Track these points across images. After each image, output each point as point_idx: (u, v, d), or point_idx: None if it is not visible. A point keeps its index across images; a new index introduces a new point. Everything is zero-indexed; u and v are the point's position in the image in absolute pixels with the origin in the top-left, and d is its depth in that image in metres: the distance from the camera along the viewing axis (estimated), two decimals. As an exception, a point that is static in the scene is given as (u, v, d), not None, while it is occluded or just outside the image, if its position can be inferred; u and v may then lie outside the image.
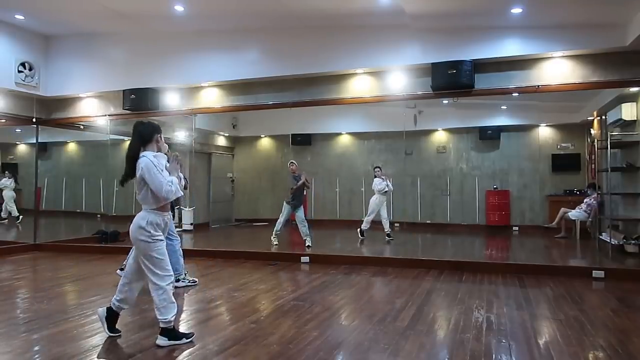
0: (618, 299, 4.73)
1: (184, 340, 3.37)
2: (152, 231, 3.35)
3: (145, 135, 3.43)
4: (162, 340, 3.33)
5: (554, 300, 4.63)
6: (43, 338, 3.54)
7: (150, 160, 3.31)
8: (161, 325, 3.35)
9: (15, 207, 10.24)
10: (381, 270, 6.19)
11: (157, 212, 3.40)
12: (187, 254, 7.53)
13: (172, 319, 3.35)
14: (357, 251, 7.88)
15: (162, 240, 3.42)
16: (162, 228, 3.43)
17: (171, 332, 3.36)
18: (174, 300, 3.39)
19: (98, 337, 3.55)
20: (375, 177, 8.94)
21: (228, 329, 3.75)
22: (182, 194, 3.65)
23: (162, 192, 3.28)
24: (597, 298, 4.94)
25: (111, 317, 3.55)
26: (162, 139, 3.52)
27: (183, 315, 4.20)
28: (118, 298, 3.51)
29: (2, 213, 10.20)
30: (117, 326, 3.57)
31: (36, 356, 3.20)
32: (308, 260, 6.79)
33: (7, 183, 10.25)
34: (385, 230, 8.74)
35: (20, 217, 10.25)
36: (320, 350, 3.25)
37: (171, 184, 3.34)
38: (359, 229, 9.00)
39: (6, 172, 10.31)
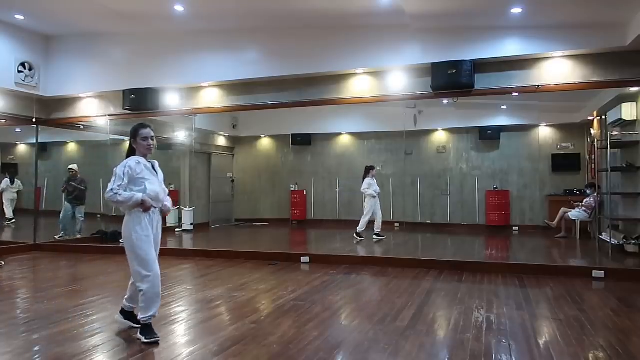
0: (618, 299, 4.73)
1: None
2: None
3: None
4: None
5: (554, 300, 4.63)
6: (43, 338, 3.54)
7: None
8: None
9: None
10: (381, 270, 6.19)
11: None
12: (187, 253, 7.59)
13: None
14: (357, 251, 7.88)
15: None
16: None
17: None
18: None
19: (98, 337, 3.55)
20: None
21: (228, 329, 3.75)
22: None
23: None
24: (597, 298, 4.94)
25: (129, 317, 3.67)
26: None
27: (183, 315, 4.20)
28: (126, 296, 3.68)
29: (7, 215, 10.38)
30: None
31: (36, 356, 3.20)
32: (308, 260, 6.79)
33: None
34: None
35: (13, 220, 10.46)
36: (320, 350, 3.25)
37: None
38: (356, 235, 8.85)
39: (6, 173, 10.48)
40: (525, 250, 8.03)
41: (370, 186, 8.72)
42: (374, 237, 8.70)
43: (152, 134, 3.53)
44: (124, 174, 3.39)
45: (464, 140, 11.23)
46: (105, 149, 9.31)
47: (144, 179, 3.46)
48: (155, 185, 3.52)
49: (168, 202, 3.66)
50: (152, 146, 3.52)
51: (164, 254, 7.70)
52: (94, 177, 10.23)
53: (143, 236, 3.43)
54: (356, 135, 11.96)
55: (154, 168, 3.60)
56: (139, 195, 3.39)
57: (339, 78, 7.19)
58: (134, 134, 3.51)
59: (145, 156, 3.54)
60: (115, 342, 3.45)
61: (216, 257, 7.21)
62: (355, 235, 8.65)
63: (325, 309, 4.31)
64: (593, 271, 5.71)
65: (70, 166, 9.22)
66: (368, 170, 8.84)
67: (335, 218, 11.72)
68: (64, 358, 3.12)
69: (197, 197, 11.18)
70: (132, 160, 3.47)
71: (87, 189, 9.16)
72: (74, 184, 9.02)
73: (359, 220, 8.81)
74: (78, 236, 8.93)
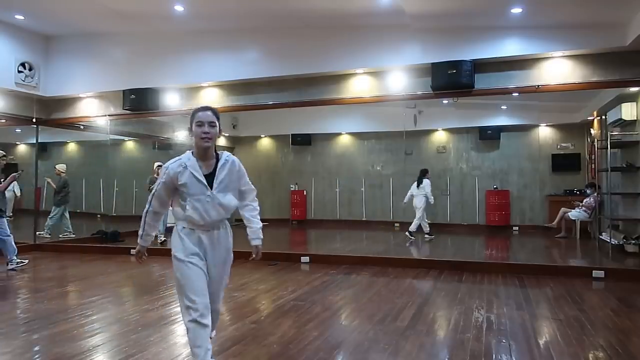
0: (618, 299, 4.73)
1: None
2: None
3: None
4: None
5: (554, 300, 4.63)
6: (43, 338, 3.54)
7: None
8: None
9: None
10: (381, 270, 6.19)
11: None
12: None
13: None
14: (357, 251, 7.88)
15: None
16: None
17: None
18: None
19: (98, 337, 3.56)
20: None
21: (228, 329, 3.75)
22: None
23: None
24: (597, 298, 4.94)
25: None
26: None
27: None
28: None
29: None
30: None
31: (36, 356, 3.20)
32: (308, 260, 6.79)
33: None
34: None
35: None
36: (320, 350, 3.25)
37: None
38: (426, 234, 8.94)
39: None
40: (525, 250, 8.03)
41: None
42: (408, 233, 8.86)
43: (211, 118, 2.58)
44: (159, 184, 2.62)
45: (464, 140, 11.22)
46: (105, 149, 9.31)
47: (187, 193, 2.56)
48: (205, 202, 2.58)
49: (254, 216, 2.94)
50: (210, 135, 2.56)
51: (164, 253, 7.75)
52: (94, 177, 10.25)
53: (185, 261, 2.59)
54: (356, 135, 11.97)
55: (215, 169, 2.63)
56: (141, 244, 2.74)
57: (339, 78, 7.19)
58: (191, 120, 2.61)
59: (205, 150, 2.59)
60: (115, 342, 3.45)
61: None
62: (426, 236, 8.87)
63: (325, 309, 4.31)
64: (593, 271, 5.71)
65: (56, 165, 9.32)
66: (424, 173, 9.01)
67: (335, 218, 11.72)
68: (64, 358, 3.12)
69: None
70: (178, 161, 2.60)
71: (58, 191, 9.07)
72: (52, 183, 9.12)
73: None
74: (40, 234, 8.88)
